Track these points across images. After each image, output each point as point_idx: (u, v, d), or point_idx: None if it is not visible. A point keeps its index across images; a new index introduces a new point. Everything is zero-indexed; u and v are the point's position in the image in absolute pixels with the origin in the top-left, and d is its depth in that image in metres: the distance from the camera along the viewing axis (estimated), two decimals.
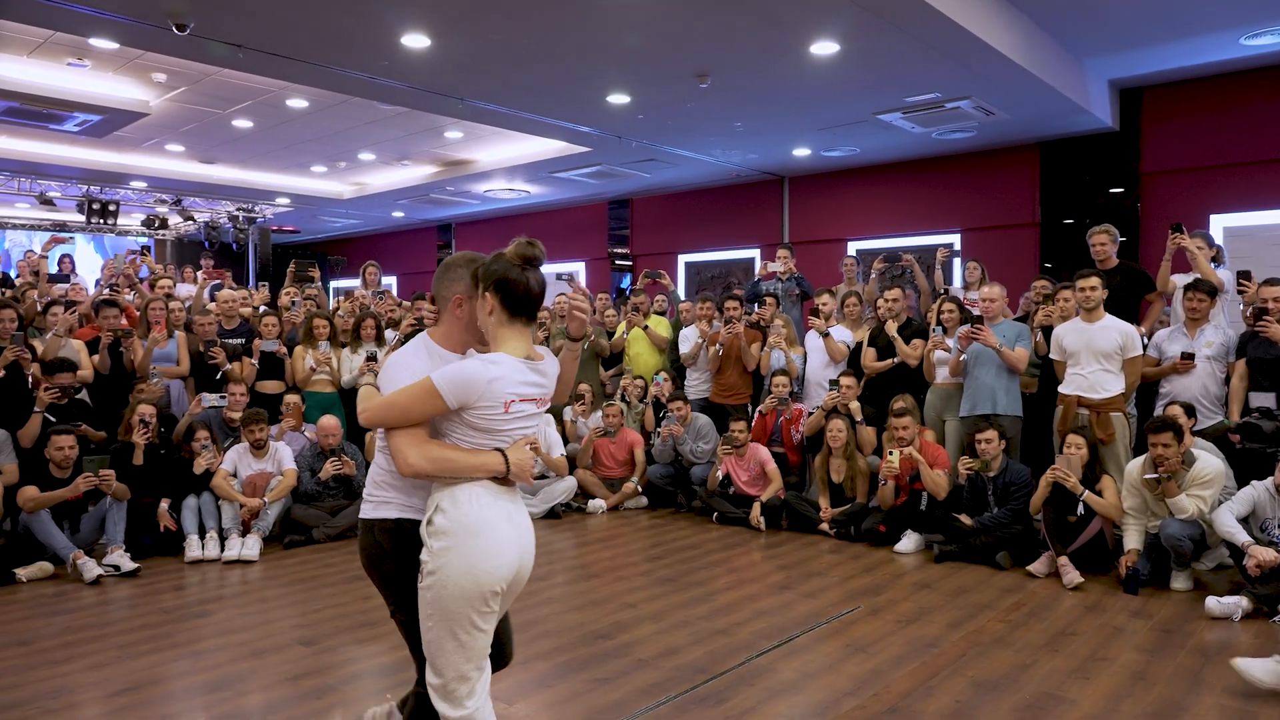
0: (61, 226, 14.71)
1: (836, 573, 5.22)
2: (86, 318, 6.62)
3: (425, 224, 16.15)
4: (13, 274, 10.33)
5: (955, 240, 9.81)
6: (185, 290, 9.08)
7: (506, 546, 2.23)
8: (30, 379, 5.76)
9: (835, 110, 8.07)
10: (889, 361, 6.51)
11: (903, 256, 7.79)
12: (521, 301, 2.24)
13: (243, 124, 9.14)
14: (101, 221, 12.39)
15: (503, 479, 2.25)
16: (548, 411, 6.97)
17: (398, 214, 14.88)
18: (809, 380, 7.00)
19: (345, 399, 6.89)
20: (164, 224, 15.21)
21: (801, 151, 9.84)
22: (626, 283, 13.24)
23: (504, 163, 10.87)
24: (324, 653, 3.93)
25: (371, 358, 6.80)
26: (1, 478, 5.26)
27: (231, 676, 3.65)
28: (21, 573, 5.05)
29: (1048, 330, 5.89)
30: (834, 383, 6.46)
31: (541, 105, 7.92)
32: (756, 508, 6.31)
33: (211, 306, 7.25)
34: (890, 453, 5.66)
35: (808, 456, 6.78)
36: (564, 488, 6.84)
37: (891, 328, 6.44)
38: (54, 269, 9.06)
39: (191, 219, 13.99)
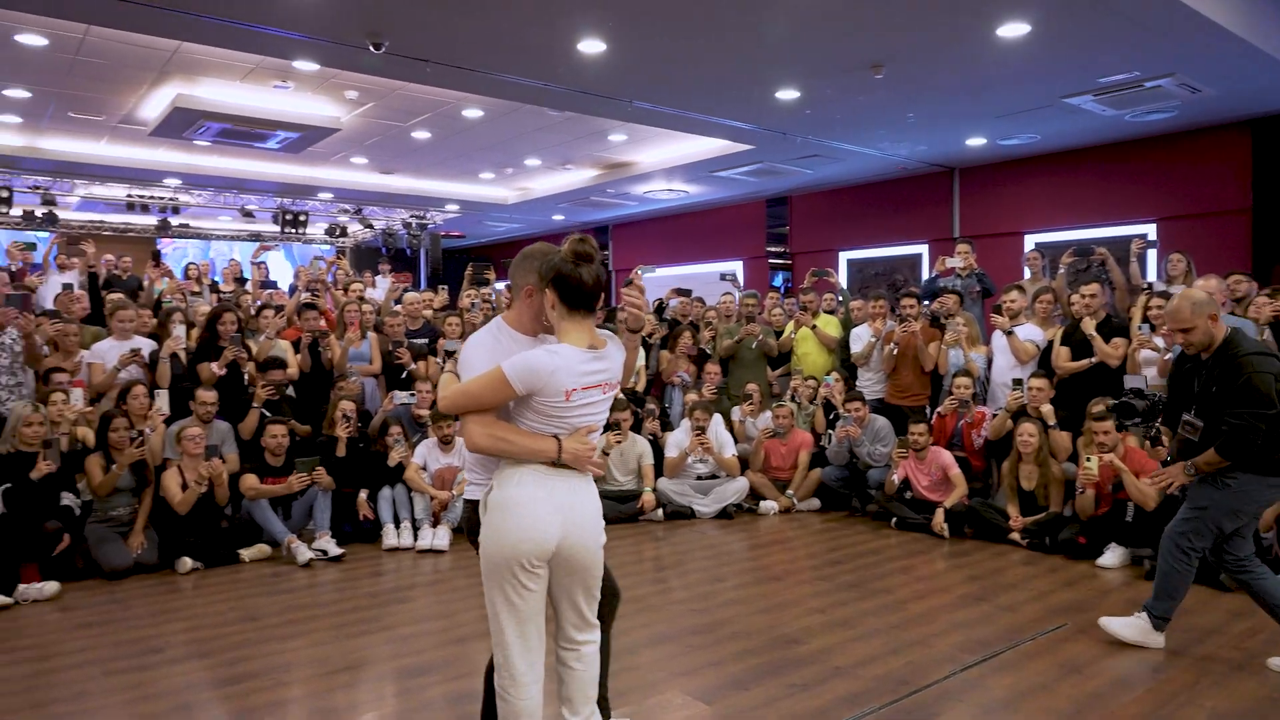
0: (257, 236, 16.02)
1: (1033, 586, 4.93)
2: (289, 320, 7.13)
3: (583, 226, 16.50)
4: (219, 280, 11.31)
5: (1150, 230, 9.07)
6: (376, 293, 9.64)
7: (539, 521, 2.35)
8: (246, 376, 6.25)
9: (1017, 96, 7.64)
10: (1085, 362, 6.09)
11: (1095, 250, 7.27)
12: (577, 295, 2.39)
13: (421, 135, 9.62)
14: (293, 231, 13.38)
15: (556, 464, 2.39)
16: (718, 412, 6.94)
17: (558, 217, 15.27)
18: (993, 381, 6.66)
19: None
20: (344, 232, 16.27)
21: (976, 141, 9.38)
22: (779, 280, 13.06)
23: (664, 163, 10.94)
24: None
25: None
26: (227, 465, 5.75)
27: (435, 663, 3.81)
28: (245, 553, 5.51)
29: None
30: (1018, 383, 6.11)
31: (708, 104, 7.91)
32: (940, 513, 6.05)
33: (398, 308, 7.66)
34: (1088, 459, 5.29)
35: (992, 461, 6.45)
36: (735, 488, 6.80)
37: (1089, 325, 6.03)
38: (259, 275, 9.84)
39: (370, 226, 14.87)
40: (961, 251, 7.61)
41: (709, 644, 4.02)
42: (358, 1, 5.46)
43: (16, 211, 12.59)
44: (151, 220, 14.52)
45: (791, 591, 4.84)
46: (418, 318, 7.54)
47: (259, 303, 7.12)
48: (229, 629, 4.27)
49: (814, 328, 7.71)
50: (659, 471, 6.89)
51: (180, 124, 8.44)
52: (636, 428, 7.05)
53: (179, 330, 6.11)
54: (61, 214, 14.06)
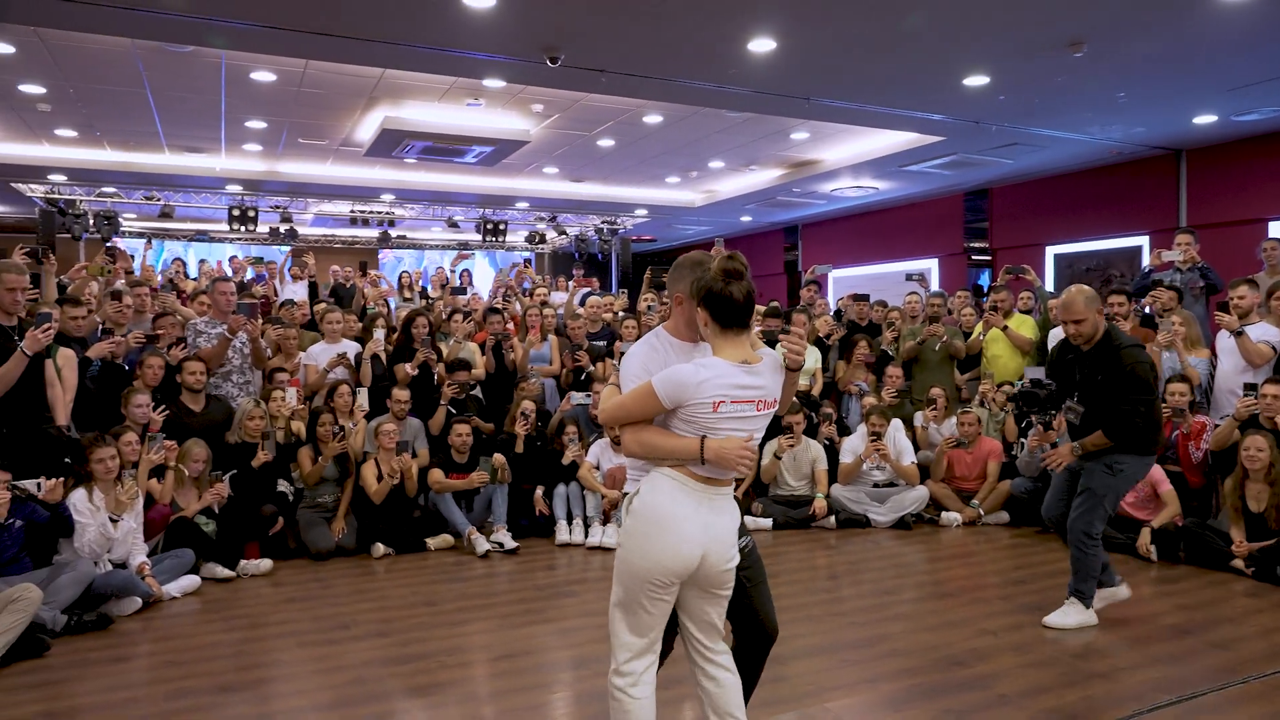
0: (465, 245, 17.17)
1: (1256, 621, 4.33)
2: (478, 324, 7.57)
3: (771, 227, 16.35)
4: (428, 288, 12.23)
5: None
6: (559, 298, 10.07)
7: (685, 541, 2.36)
8: (436, 377, 6.71)
9: (1252, 65, 6.74)
10: None
11: None
12: (729, 313, 2.38)
13: (606, 143, 9.91)
14: (493, 239, 14.21)
15: (704, 477, 2.38)
16: (901, 417, 6.64)
17: (746, 218, 15.22)
18: (1218, 388, 5.93)
19: None
20: (543, 239, 17.08)
21: (1205, 119, 8.38)
22: (985, 279, 12.29)
23: (851, 160, 10.61)
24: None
25: None
26: (417, 460, 6.20)
27: (594, 656, 3.91)
28: (431, 542, 5.91)
29: None
30: (1251, 387, 5.40)
31: (889, 96, 7.60)
32: (1146, 534, 5.47)
33: (580, 311, 7.94)
34: None
35: (1214, 478, 5.74)
36: (914, 497, 6.48)
37: None
38: (457, 282, 10.54)
39: (564, 233, 15.51)
40: (1181, 243, 6.82)
41: (866, 659, 3.86)
42: (535, 19, 5.72)
43: (263, 229, 14.27)
44: (374, 233, 15.99)
45: (965, 610, 4.55)
46: (598, 321, 7.77)
47: (451, 308, 7.60)
48: (409, 611, 4.60)
49: (1005, 329, 7.20)
50: (833, 478, 6.70)
51: (389, 144, 9.19)
52: (811, 432, 6.89)
53: (379, 334, 6.65)
54: (300, 229, 15.83)
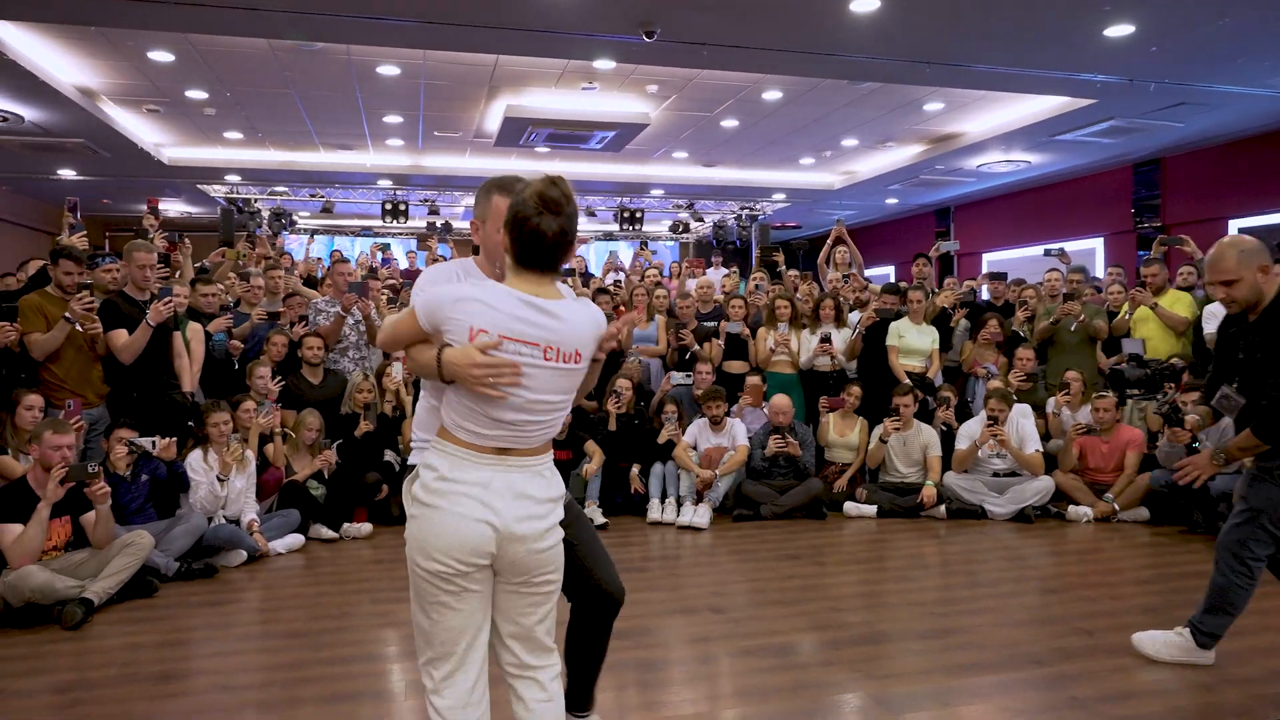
0: (610, 235, 17.43)
1: None
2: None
3: (921, 209, 15.55)
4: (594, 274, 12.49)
5: None
6: (692, 283, 9.96)
7: (467, 514, 1.91)
8: None
9: None
10: None
11: None
12: (532, 249, 1.91)
13: (729, 124, 9.74)
14: (630, 228, 14.33)
15: (495, 448, 1.93)
16: (1032, 403, 6.12)
17: (891, 200, 14.56)
18: None
19: (804, 380, 6.92)
20: (686, 228, 17.06)
21: None
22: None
23: (995, 131, 9.89)
24: (728, 621, 3.93)
25: (826, 339, 6.71)
26: None
27: (637, 630, 3.84)
28: None
29: None
30: None
31: (1021, 55, 7.00)
32: None
33: (691, 292, 7.85)
34: None
35: None
36: (1036, 488, 5.95)
37: None
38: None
39: (701, 220, 15.42)
40: None
41: (929, 650, 3.57)
42: None
43: (420, 223, 15.11)
44: None
45: (1065, 607, 4.12)
46: (709, 301, 7.66)
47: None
48: None
49: (1154, 306, 6.47)
50: (949, 465, 6.27)
51: (514, 133, 9.46)
52: (927, 416, 6.48)
53: None
54: (455, 223, 16.64)
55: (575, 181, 11.63)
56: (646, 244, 14.90)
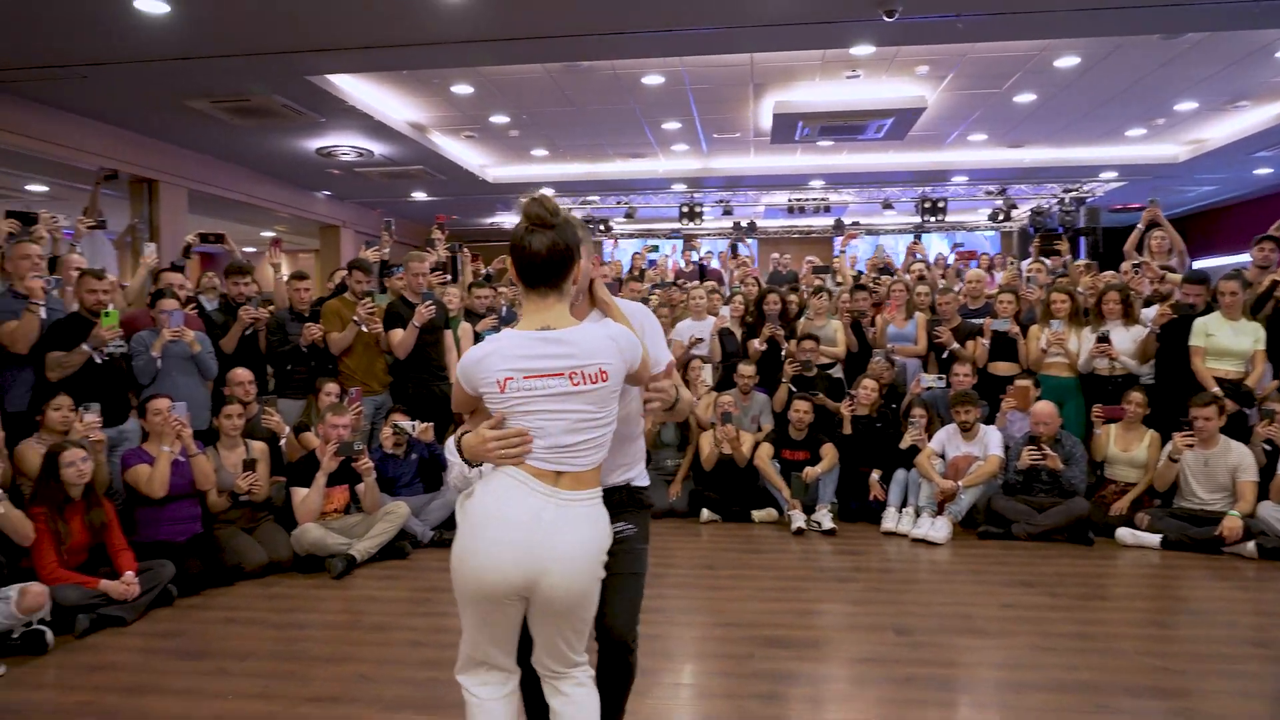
0: (920, 229, 16.52)
1: None
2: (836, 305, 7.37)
3: None
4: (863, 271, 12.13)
5: None
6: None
7: (505, 554, 1.93)
8: (784, 353, 6.73)
9: None
10: None
11: None
12: (526, 269, 1.99)
13: (1024, 98, 8.80)
14: (932, 219, 13.48)
15: (548, 472, 1.97)
16: None
17: (1262, 170, 12.11)
18: None
19: (1085, 386, 6.09)
20: (1007, 216, 15.64)
21: None
22: None
23: None
24: (905, 645, 3.63)
25: (1103, 338, 5.85)
26: (760, 433, 6.33)
27: (813, 641, 3.69)
28: (756, 514, 6.01)
29: None
30: None
31: None
32: None
33: (959, 286, 7.25)
34: None
35: None
36: None
37: None
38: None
39: (1014, 206, 14.04)
40: None
41: (1134, 712, 3.01)
42: None
43: (724, 224, 15.54)
44: (827, 222, 16.32)
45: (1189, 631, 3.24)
46: (979, 296, 7.02)
47: (813, 286, 7.53)
48: (692, 573, 4.79)
49: None
50: (1265, 493, 5.15)
51: (786, 129, 9.38)
52: (1236, 431, 5.39)
53: (724, 310, 6.92)
54: (760, 223, 16.85)
55: (867, 173, 11.35)
56: (917, 239, 13.87)
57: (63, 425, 4.39)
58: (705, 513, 6.01)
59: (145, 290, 5.77)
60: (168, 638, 3.84)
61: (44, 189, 10.80)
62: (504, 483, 1.98)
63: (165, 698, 3.19)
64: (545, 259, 1.97)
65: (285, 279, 6.03)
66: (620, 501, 2.27)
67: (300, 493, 4.94)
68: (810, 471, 5.82)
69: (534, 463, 1.97)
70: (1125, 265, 6.87)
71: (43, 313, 4.58)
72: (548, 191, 2.08)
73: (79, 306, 4.79)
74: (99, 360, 4.69)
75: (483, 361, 1.99)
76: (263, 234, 15.37)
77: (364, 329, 5.66)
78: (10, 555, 3.74)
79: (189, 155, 9.86)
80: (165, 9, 5.66)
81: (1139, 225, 7.28)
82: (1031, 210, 14.06)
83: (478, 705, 2.09)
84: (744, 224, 15.73)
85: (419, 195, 13.42)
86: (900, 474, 5.90)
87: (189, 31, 6.09)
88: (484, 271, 8.11)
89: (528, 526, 1.93)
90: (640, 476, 2.36)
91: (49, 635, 3.71)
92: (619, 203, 14.29)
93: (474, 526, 1.98)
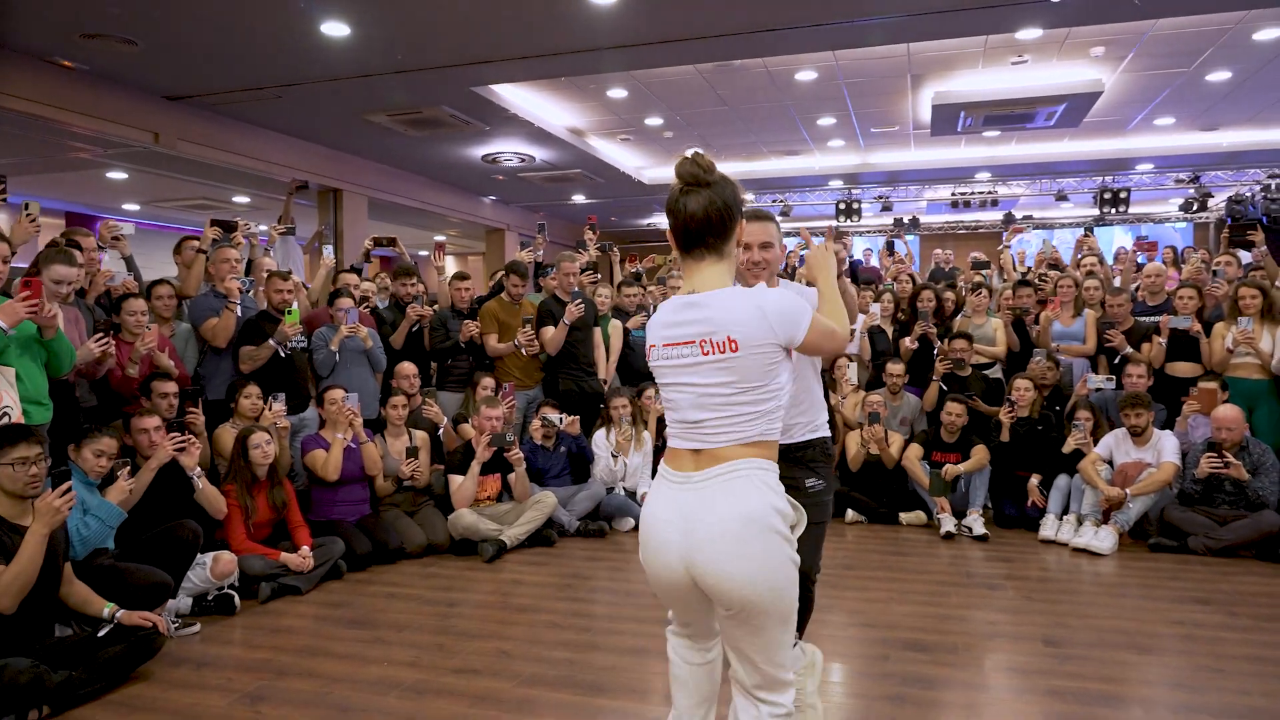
0: (1100, 221, 15.38)
1: None
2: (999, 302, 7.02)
3: None
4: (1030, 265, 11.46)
5: None
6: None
7: (652, 545, 1.94)
8: (936, 350, 6.49)
9: None
10: None
11: None
12: (680, 233, 1.93)
13: (1218, 76, 8.04)
14: (1112, 211, 12.53)
15: (681, 450, 1.94)
16: None
17: None
18: None
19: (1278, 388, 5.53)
20: (1202, 205, 14.30)
21: None
22: None
23: None
24: (1053, 657, 3.45)
25: None
26: (906, 435, 6.15)
27: (954, 646, 3.58)
28: (904, 516, 5.85)
29: None
30: None
31: None
32: None
33: (1138, 282, 6.75)
34: None
35: None
36: None
37: None
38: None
39: (1209, 194, 12.80)
40: None
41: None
42: None
43: (884, 220, 15.12)
44: (996, 215, 15.52)
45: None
46: (1158, 291, 6.49)
47: (972, 283, 7.18)
48: (832, 572, 4.68)
49: None
50: None
51: (947, 120, 9.01)
52: None
53: (874, 308, 6.73)
54: (922, 219, 16.25)
55: (1037, 164, 10.73)
56: (1090, 231, 12.80)
57: (252, 412, 4.88)
58: (850, 513, 5.90)
59: (325, 290, 6.31)
60: (337, 607, 4.20)
61: (246, 200, 11.96)
62: (657, 480, 1.99)
63: (331, 660, 3.50)
64: (702, 219, 1.88)
65: (448, 279, 6.41)
66: (813, 457, 2.52)
67: (457, 480, 5.26)
68: (951, 468, 5.60)
69: (673, 442, 1.96)
70: None
71: (239, 311, 5.11)
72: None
73: (267, 305, 5.31)
74: (283, 354, 5.17)
75: (648, 331, 2.06)
76: (435, 238, 16.35)
77: (523, 351, 5.94)
78: (206, 527, 4.20)
79: (369, 165, 10.66)
80: (346, 31, 6.17)
81: None
82: (1229, 198, 12.78)
83: (672, 662, 2.12)
84: (905, 220, 15.23)
85: (578, 198, 13.86)
86: (1062, 480, 5.58)
87: (366, 51, 6.61)
88: (634, 269, 8.28)
89: (676, 525, 1.88)
90: (824, 426, 2.60)
91: (237, 599, 4.15)
92: (774, 200, 14.16)
93: (642, 529, 1.99)
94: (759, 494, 1.84)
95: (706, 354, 1.86)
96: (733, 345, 1.84)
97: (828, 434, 2.65)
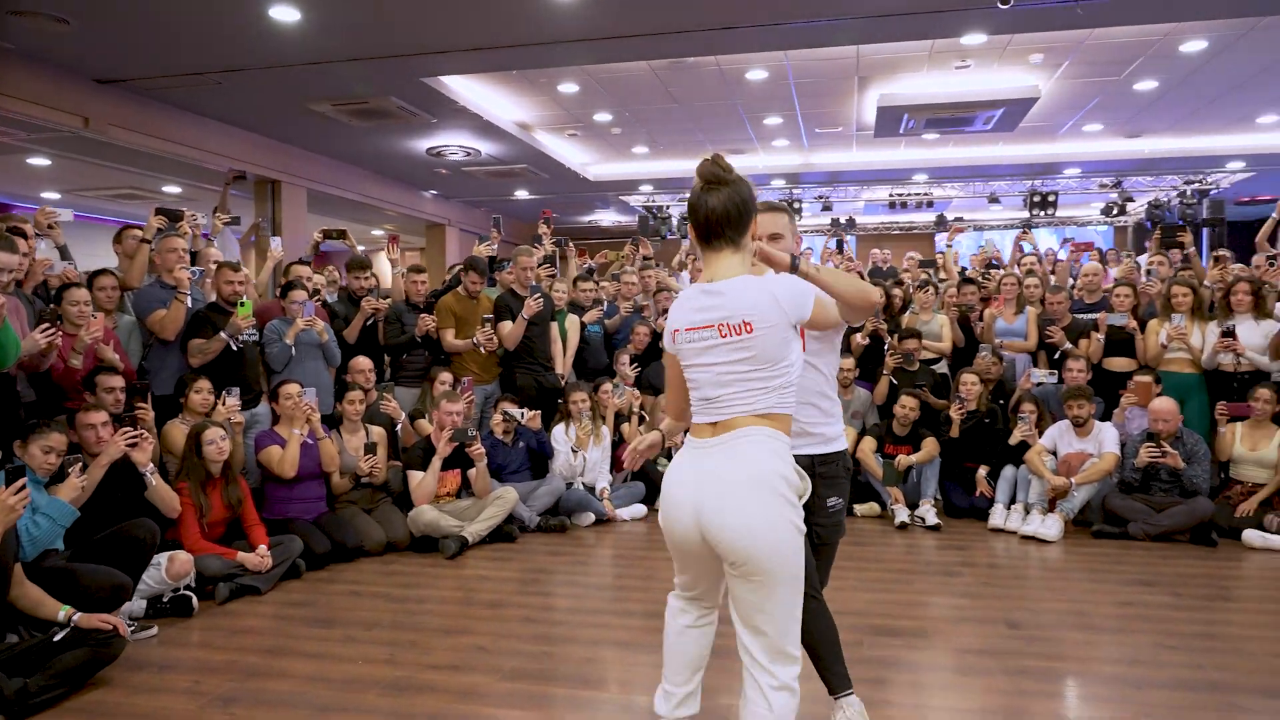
0: (1028, 224, 15.93)
1: None
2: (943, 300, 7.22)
3: None
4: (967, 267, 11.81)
5: None
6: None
7: (669, 504, 2.12)
8: (887, 346, 6.64)
9: None
10: None
11: None
12: (700, 225, 2.09)
13: (1145, 86, 8.43)
14: (1041, 213, 13.01)
15: (698, 425, 2.12)
16: None
17: None
18: None
19: (1209, 382, 5.82)
20: (1122, 210, 14.95)
21: None
22: None
23: None
24: (1017, 638, 3.57)
25: (1228, 333, 5.58)
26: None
27: (923, 631, 3.67)
28: (858, 509, 5.96)
29: None
30: None
31: None
32: None
33: (1070, 281, 7.02)
34: None
35: None
36: None
37: None
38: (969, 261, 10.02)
39: (1130, 199, 13.41)
40: None
41: (1261, 712, 2.90)
42: None
43: (822, 220, 15.37)
44: (931, 217, 15.94)
45: None
46: (1095, 290, 6.77)
47: (919, 281, 7.38)
48: None
49: None
50: None
51: (890, 122, 9.23)
52: None
53: None
54: (860, 219, 16.59)
55: (972, 167, 11.03)
56: (1028, 230, 13.34)
57: (203, 407, 4.71)
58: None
59: (273, 282, 6.12)
60: (299, 606, 4.09)
61: (178, 189, 11.53)
62: (680, 450, 2.17)
63: (300, 659, 3.41)
64: (722, 214, 2.05)
65: (403, 272, 6.30)
66: (835, 474, 2.59)
67: (416, 476, 5.17)
68: (904, 459, 5.74)
69: (696, 417, 2.13)
70: (1258, 258, 6.54)
71: (189, 302, 4.92)
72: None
73: (216, 297, 5.13)
74: (235, 347, 5.00)
75: (669, 318, 2.18)
76: (374, 232, 16.02)
77: (482, 351, 5.88)
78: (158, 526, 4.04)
79: (309, 157, 10.38)
80: (296, 16, 6.00)
81: (1274, 215, 6.92)
82: (1149, 204, 13.41)
83: (667, 626, 2.34)
84: (843, 220, 15.54)
85: (521, 194, 13.74)
86: (1008, 470, 5.78)
87: (316, 38, 6.44)
88: (587, 265, 8.26)
89: (690, 485, 2.06)
90: (842, 439, 2.64)
91: (194, 600, 4.00)
92: None
93: (663, 491, 2.16)
94: (767, 459, 2.01)
95: (724, 336, 2.04)
96: (748, 327, 2.03)
97: (845, 445, 2.67)
